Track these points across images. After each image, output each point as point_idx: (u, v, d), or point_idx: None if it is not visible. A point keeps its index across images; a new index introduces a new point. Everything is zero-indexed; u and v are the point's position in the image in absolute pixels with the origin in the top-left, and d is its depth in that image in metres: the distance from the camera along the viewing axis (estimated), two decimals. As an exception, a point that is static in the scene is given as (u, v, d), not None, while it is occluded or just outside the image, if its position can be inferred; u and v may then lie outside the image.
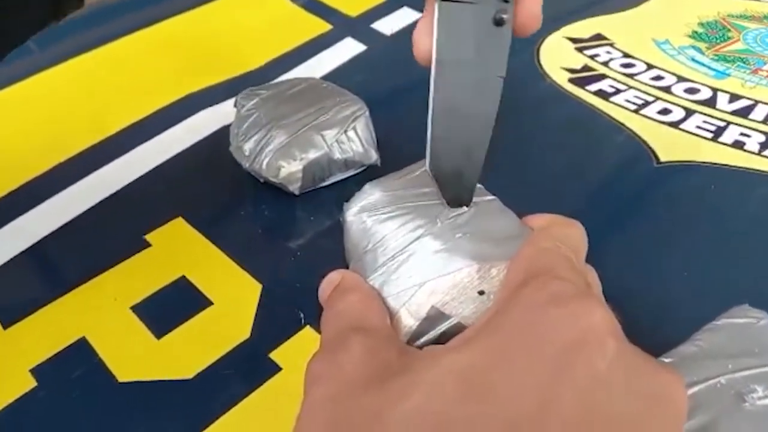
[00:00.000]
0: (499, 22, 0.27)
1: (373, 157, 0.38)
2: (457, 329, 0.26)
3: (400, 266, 0.27)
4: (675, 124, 0.41)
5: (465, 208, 0.28)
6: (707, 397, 0.24)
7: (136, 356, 0.29)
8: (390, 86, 0.45)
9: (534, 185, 0.37)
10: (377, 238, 0.29)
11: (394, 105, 0.44)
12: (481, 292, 0.26)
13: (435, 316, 0.26)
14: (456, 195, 0.28)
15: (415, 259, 0.27)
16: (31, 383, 0.28)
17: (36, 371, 0.29)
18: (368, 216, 0.30)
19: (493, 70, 0.28)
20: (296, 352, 0.28)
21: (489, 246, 0.27)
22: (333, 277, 0.27)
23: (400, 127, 0.42)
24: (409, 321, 0.26)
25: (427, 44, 0.27)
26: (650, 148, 0.39)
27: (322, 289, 0.27)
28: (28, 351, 0.29)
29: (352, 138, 0.38)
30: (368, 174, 0.38)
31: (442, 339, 0.26)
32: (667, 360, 0.25)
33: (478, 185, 0.29)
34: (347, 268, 0.30)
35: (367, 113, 0.38)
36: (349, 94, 0.39)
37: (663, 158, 0.38)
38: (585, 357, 0.20)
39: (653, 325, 0.29)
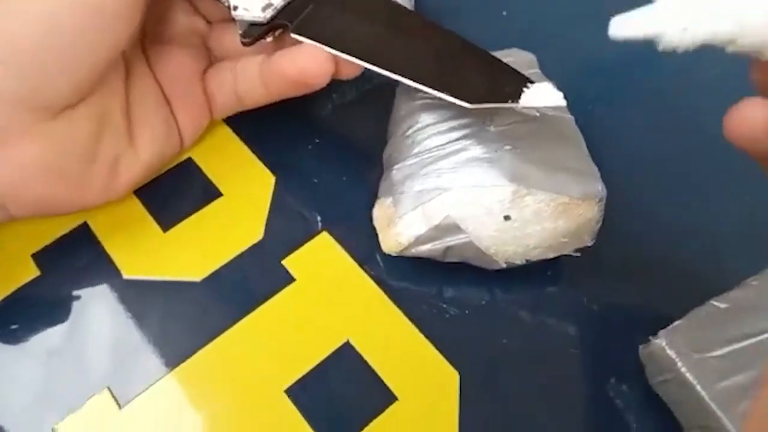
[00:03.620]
0: None
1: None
2: (467, 247, 0.24)
3: (433, 163, 0.25)
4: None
5: (531, 113, 0.24)
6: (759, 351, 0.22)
7: (142, 250, 0.27)
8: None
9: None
10: (421, 125, 0.26)
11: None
12: (507, 218, 0.23)
13: (447, 227, 0.24)
14: None
15: (450, 161, 0.24)
16: (35, 271, 0.27)
17: (38, 258, 0.27)
18: (421, 96, 0.26)
19: None
20: (311, 261, 0.26)
21: (535, 170, 0.23)
22: None
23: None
24: (419, 224, 0.24)
25: None
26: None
27: None
28: (29, 234, 0.27)
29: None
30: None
31: (447, 252, 0.24)
32: (721, 305, 0.22)
33: (563, 101, 0.23)
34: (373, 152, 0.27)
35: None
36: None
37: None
38: None
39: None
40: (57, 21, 0.22)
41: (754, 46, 0.15)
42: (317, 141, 0.30)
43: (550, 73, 0.28)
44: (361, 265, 0.26)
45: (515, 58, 0.27)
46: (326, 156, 0.29)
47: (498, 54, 0.28)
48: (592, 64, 0.32)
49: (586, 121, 0.26)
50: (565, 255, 0.25)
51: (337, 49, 0.24)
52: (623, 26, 0.17)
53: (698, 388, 0.20)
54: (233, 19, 0.25)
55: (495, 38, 0.33)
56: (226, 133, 0.30)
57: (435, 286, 0.25)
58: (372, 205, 0.27)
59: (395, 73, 0.23)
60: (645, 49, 0.30)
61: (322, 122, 0.30)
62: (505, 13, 0.35)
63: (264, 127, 0.30)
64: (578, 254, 0.25)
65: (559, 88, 0.22)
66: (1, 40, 0.22)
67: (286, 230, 0.27)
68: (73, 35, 0.22)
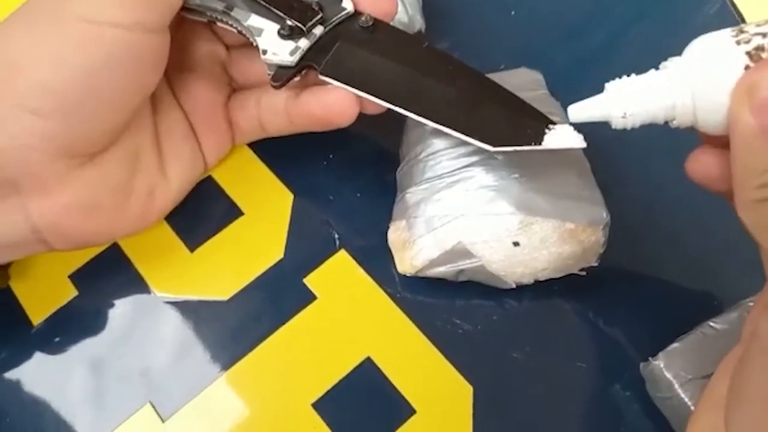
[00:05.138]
0: None
1: (419, 23, 0.33)
2: (479, 270, 0.25)
3: (444, 189, 0.26)
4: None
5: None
6: None
7: (171, 270, 0.29)
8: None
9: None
10: (432, 150, 0.27)
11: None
12: (516, 243, 0.25)
13: (459, 252, 0.25)
14: None
15: (460, 187, 0.25)
16: (73, 291, 0.29)
17: (75, 278, 0.29)
18: None
19: None
20: (331, 280, 0.28)
21: (542, 199, 0.24)
22: None
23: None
24: (432, 248, 0.26)
25: None
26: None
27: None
28: (64, 257, 0.29)
29: (394, 4, 0.32)
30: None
31: (460, 274, 0.26)
32: (718, 326, 0.24)
33: (583, 143, 0.23)
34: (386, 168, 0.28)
35: (413, -30, 0.32)
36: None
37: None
38: None
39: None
40: (91, 72, 0.22)
41: (687, 124, 0.18)
42: (331, 156, 0.31)
43: (555, 85, 0.28)
44: (378, 283, 0.28)
45: (523, 77, 0.28)
46: (340, 172, 0.30)
47: (506, 73, 0.28)
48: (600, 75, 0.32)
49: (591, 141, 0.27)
50: (572, 273, 0.26)
51: (363, 91, 0.24)
52: (579, 112, 0.19)
53: (694, 408, 0.22)
54: (251, 44, 0.26)
55: (501, 40, 0.33)
56: (244, 151, 0.31)
57: (448, 303, 0.27)
58: (386, 222, 0.28)
59: (419, 115, 0.24)
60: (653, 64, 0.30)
61: (336, 137, 0.31)
62: (513, 12, 0.35)
63: (280, 144, 0.31)
64: (584, 273, 0.26)
65: (579, 130, 0.23)
66: (37, 92, 0.22)
67: (305, 249, 0.29)
68: (107, 85, 0.23)
